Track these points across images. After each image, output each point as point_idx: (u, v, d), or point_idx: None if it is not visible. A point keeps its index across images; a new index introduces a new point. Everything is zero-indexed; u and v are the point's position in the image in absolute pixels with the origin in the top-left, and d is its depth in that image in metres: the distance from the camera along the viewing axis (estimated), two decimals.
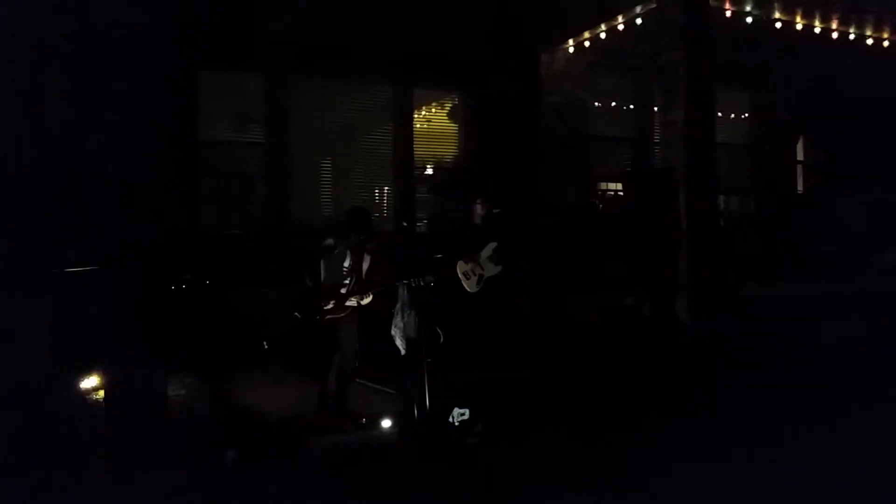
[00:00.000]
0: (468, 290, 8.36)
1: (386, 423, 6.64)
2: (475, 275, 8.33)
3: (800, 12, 11.94)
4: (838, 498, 5.06)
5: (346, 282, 6.83)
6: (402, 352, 7.56)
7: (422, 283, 6.85)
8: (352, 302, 6.80)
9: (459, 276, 8.39)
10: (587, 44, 12.43)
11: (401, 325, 7.38)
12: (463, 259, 8.39)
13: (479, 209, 8.62)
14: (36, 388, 6.43)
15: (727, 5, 11.31)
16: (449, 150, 12.73)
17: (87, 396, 7.26)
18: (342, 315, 6.79)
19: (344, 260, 6.87)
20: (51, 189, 8.97)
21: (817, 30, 12.31)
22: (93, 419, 6.43)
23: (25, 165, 8.87)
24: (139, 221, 9.36)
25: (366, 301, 6.79)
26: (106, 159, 9.30)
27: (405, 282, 7.09)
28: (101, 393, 6.79)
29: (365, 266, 6.87)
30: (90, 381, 7.40)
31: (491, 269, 8.30)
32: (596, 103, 13.33)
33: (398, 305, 7.49)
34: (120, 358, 6.54)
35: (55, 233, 8.61)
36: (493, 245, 8.29)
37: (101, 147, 9.28)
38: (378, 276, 6.91)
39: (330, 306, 6.77)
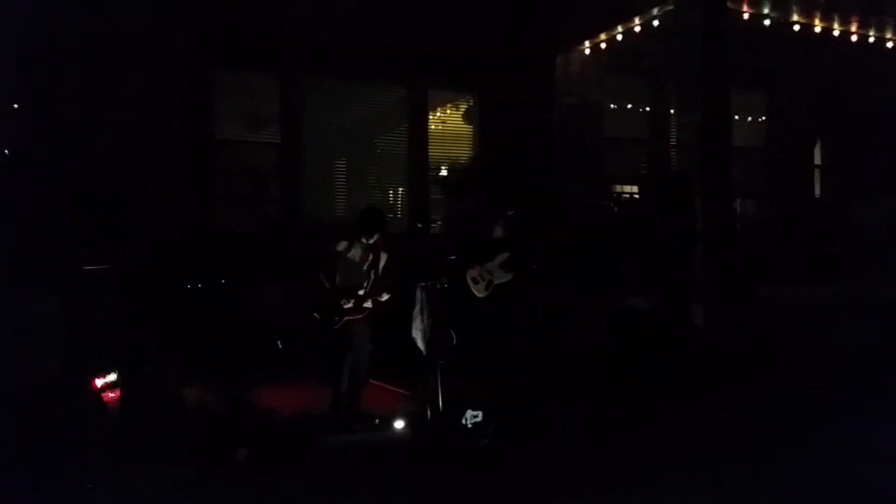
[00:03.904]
0: (477, 294, 8.37)
1: (399, 424, 6.63)
2: (484, 280, 8.33)
3: (818, 15, 11.86)
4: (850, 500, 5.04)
5: (364, 283, 6.84)
6: (424, 353, 7.57)
7: (437, 286, 6.88)
8: (369, 303, 6.81)
9: (468, 281, 8.39)
10: (603, 45, 12.39)
11: (421, 326, 7.40)
12: (472, 266, 8.40)
13: (498, 231, 8.57)
14: (50, 385, 6.45)
15: (744, 7, 11.25)
16: (464, 152, 12.71)
17: (102, 394, 7.28)
18: (360, 316, 6.80)
19: (360, 260, 6.88)
20: (65, 188, 9.01)
21: (835, 32, 12.22)
22: (107, 416, 6.45)
23: (41, 164, 8.92)
24: (154, 220, 9.38)
25: (384, 298, 6.81)
26: (121, 158, 9.34)
27: (423, 284, 7.11)
28: (116, 391, 6.81)
29: (381, 266, 6.88)
30: (104, 379, 7.42)
31: (501, 276, 8.31)
32: (611, 105, 13.28)
33: (417, 308, 7.50)
34: (134, 356, 6.55)
35: (70, 231, 8.64)
36: (504, 256, 8.31)
37: (116, 146, 9.32)
38: (393, 276, 6.92)
39: (349, 305, 6.77)
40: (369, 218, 6.94)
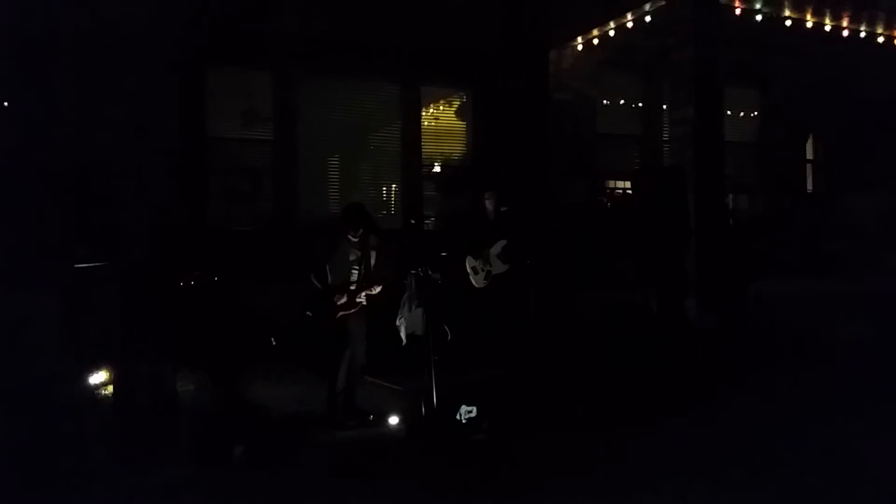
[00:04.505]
0: (475, 284, 8.36)
1: (393, 420, 6.64)
2: (483, 270, 8.33)
3: (810, 10, 11.89)
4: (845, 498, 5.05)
5: (354, 278, 6.85)
6: (404, 342, 7.58)
7: (430, 274, 6.88)
8: (361, 298, 6.82)
9: (468, 270, 8.39)
10: (596, 41, 12.40)
11: (406, 315, 7.40)
12: (472, 254, 8.39)
13: (490, 205, 8.60)
14: (46, 383, 6.46)
15: (737, 3, 11.27)
16: (457, 148, 12.71)
17: (97, 392, 7.28)
18: (353, 311, 6.81)
19: (349, 256, 6.89)
20: (61, 186, 8.99)
21: (827, 27, 12.26)
22: (102, 414, 6.45)
23: (35, 162, 8.90)
24: (148, 218, 9.37)
25: (375, 291, 6.82)
26: (115, 156, 9.33)
27: (412, 272, 7.12)
28: (111, 388, 6.81)
29: (372, 261, 6.91)
30: (100, 377, 7.43)
31: (499, 267, 8.29)
32: (605, 101, 13.28)
33: (405, 296, 7.52)
34: (129, 354, 6.54)
35: (65, 229, 8.63)
36: (502, 243, 8.29)
37: (110, 144, 9.30)
38: (384, 270, 6.94)
39: (342, 301, 6.78)
40: (351, 213, 6.97)
